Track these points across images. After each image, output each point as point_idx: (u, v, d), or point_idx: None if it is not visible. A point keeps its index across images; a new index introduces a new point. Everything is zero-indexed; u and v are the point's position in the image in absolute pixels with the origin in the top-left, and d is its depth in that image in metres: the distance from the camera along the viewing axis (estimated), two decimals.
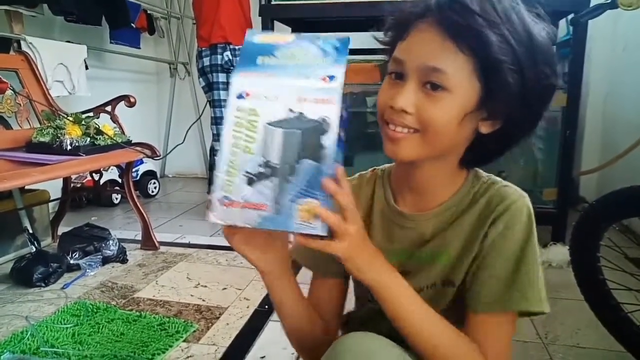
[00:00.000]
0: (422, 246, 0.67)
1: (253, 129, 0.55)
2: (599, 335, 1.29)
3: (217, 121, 2.54)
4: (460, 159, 0.64)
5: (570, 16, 2.29)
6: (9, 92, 1.89)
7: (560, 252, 1.97)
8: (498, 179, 0.67)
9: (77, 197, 2.72)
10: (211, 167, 2.73)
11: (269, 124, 0.55)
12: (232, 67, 2.46)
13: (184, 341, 1.35)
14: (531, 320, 1.48)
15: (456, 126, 0.57)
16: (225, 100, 2.52)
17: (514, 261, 0.61)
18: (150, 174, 3.20)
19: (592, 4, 1.93)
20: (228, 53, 2.45)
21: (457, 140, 0.60)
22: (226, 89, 2.49)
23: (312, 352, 0.70)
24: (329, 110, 0.54)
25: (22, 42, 2.22)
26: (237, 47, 2.46)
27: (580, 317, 1.49)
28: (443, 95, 0.56)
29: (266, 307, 1.56)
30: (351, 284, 0.76)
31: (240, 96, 0.55)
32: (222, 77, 2.47)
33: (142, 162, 3.01)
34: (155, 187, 3.23)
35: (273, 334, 1.40)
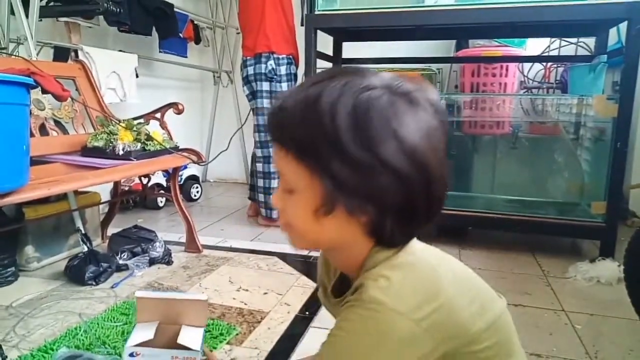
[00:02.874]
0: None
1: None
2: None
3: (259, 129, 2.59)
4: (376, 241, 0.62)
5: (622, 24, 2.22)
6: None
7: (609, 268, 1.90)
8: (370, 273, 0.59)
9: (125, 199, 2.83)
10: (252, 173, 2.79)
11: None
12: (275, 76, 2.51)
13: (227, 343, 1.38)
14: (579, 337, 1.43)
15: (312, 222, 0.60)
16: (268, 109, 2.58)
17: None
18: (193, 179, 3.30)
19: None
20: (272, 62, 2.50)
21: (328, 233, 0.60)
22: (269, 97, 2.54)
23: None
24: None
25: (79, 52, 2.34)
26: (280, 57, 2.51)
27: (633, 338, 1.43)
28: (292, 196, 0.60)
29: (307, 313, 1.58)
30: None
31: (132, 354, 0.98)
32: (265, 86, 2.53)
33: (186, 167, 3.10)
34: (197, 192, 3.32)
35: (313, 340, 1.41)
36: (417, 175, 0.55)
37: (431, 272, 0.59)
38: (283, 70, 2.52)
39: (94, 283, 1.75)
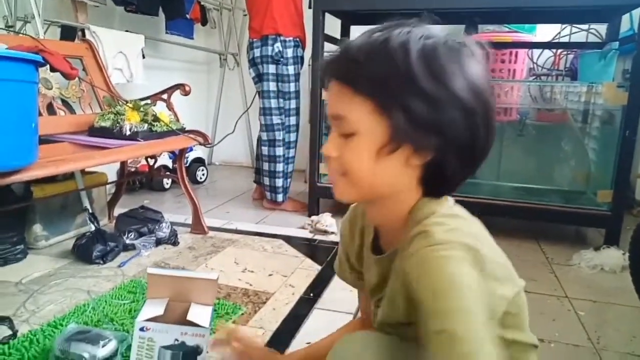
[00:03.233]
0: (384, 287, 0.70)
1: (151, 351, 1.00)
2: None
3: (265, 112, 2.58)
4: (424, 192, 0.64)
5: (635, 10, 2.19)
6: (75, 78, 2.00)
7: (613, 256, 1.90)
8: (430, 217, 0.61)
9: (131, 180, 2.84)
10: (257, 156, 2.79)
11: (162, 347, 1.00)
12: (282, 59, 2.49)
13: (232, 322, 1.40)
14: (582, 324, 1.44)
15: (375, 165, 0.60)
16: (274, 92, 2.58)
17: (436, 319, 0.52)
18: (199, 161, 3.31)
19: None
20: (278, 44, 2.48)
21: (386, 177, 0.61)
22: (275, 80, 2.53)
23: None
24: (201, 340, 1.00)
25: (86, 31, 2.33)
26: (287, 39, 2.49)
27: (636, 325, 1.44)
28: (353, 138, 0.60)
29: (311, 294, 1.59)
30: None
31: (142, 329, 0.99)
32: (272, 69, 2.51)
33: (191, 149, 3.10)
34: (203, 174, 3.33)
35: (318, 321, 1.42)
36: (481, 111, 0.59)
37: (478, 225, 0.64)
38: (290, 53, 2.50)
39: (101, 262, 1.77)
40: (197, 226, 2.18)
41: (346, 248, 0.82)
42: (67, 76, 1.67)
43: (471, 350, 0.48)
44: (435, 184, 0.63)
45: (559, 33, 3.06)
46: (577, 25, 3.01)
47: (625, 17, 2.49)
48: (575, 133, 2.74)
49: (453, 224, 0.59)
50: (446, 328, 0.49)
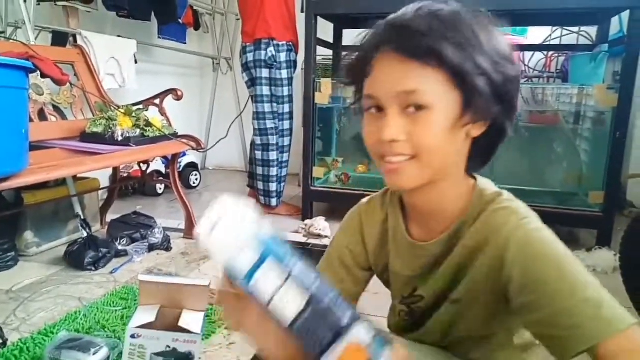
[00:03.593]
0: (433, 271, 0.67)
1: (142, 358, 1.01)
2: None
3: (258, 116, 2.58)
4: (465, 169, 0.65)
5: (624, 13, 2.21)
6: (66, 84, 1.99)
7: (605, 257, 1.91)
8: (501, 197, 0.64)
9: (123, 186, 2.83)
10: (251, 160, 2.79)
11: (154, 354, 1.01)
12: (275, 63, 2.50)
13: (225, 328, 1.39)
14: None
15: (448, 139, 0.58)
16: (267, 96, 2.58)
17: (567, 292, 0.55)
18: (192, 166, 3.30)
19: None
20: (272, 49, 2.48)
21: (453, 154, 0.61)
22: (269, 84, 2.53)
23: None
24: (193, 347, 1.01)
25: (77, 37, 2.33)
26: (280, 43, 2.49)
27: None
28: (426, 113, 0.57)
29: None
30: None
31: (133, 336, 1.00)
32: (265, 73, 2.51)
33: (185, 154, 3.10)
34: (196, 179, 3.32)
35: None
36: (519, 74, 0.61)
37: None
38: (283, 57, 2.51)
39: (93, 268, 1.76)
40: (190, 231, 2.17)
41: (354, 248, 0.76)
42: (57, 82, 1.66)
43: (615, 306, 0.53)
44: (478, 159, 0.64)
45: (550, 35, 3.08)
46: (568, 28, 3.03)
47: (615, 20, 2.51)
48: (567, 135, 2.76)
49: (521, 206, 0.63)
50: (588, 297, 0.53)
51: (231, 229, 0.44)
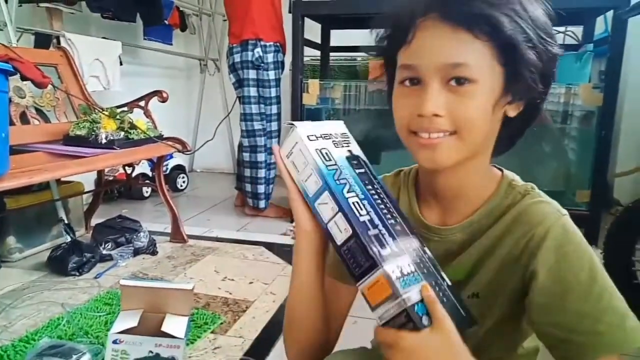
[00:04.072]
0: (449, 261, 0.63)
1: None
2: None
3: (246, 117, 2.56)
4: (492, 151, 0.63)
5: (608, 13, 2.22)
6: (49, 86, 1.96)
7: None
8: (535, 190, 0.62)
9: (109, 189, 2.79)
10: (239, 162, 2.77)
11: (136, 359, 0.99)
12: (262, 64, 2.48)
13: (211, 332, 1.37)
14: None
15: (490, 117, 0.55)
16: (255, 97, 2.56)
17: (596, 296, 0.54)
18: (179, 169, 3.27)
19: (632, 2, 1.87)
20: (259, 50, 2.46)
21: (489, 132, 0.58)
22: (256, 85, 2.51)
23: (303, 350, 0.70)
24: (177, 352, 1.00)
25: (61, 39, 2.29)
26: (267, 44, 2.48)
27: None
28: (471, 88, 0.53)
29: None
30: None
31: (115, 342, 0.99)
32: (252, 74, 2.50)
33: (171, 157, 3.07)
34: (184, 182, 3.29)
35: None
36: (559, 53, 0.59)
37: None
38: (270, 58, 2.49)
39: (77, 273, 1.73)
40: (176, 235, 2.15)
41: None
42: (38, 85, 1.63)
43: (637, 320, 0.53)
44: (505, 141, 0.63)
45: None
46: (554, 27, 3.04)
47: (600, 20, 2.53)
48: (554, 134, 2.77)
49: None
50: (614, 305, 0.53)
51: (306, 154, 0.57)
